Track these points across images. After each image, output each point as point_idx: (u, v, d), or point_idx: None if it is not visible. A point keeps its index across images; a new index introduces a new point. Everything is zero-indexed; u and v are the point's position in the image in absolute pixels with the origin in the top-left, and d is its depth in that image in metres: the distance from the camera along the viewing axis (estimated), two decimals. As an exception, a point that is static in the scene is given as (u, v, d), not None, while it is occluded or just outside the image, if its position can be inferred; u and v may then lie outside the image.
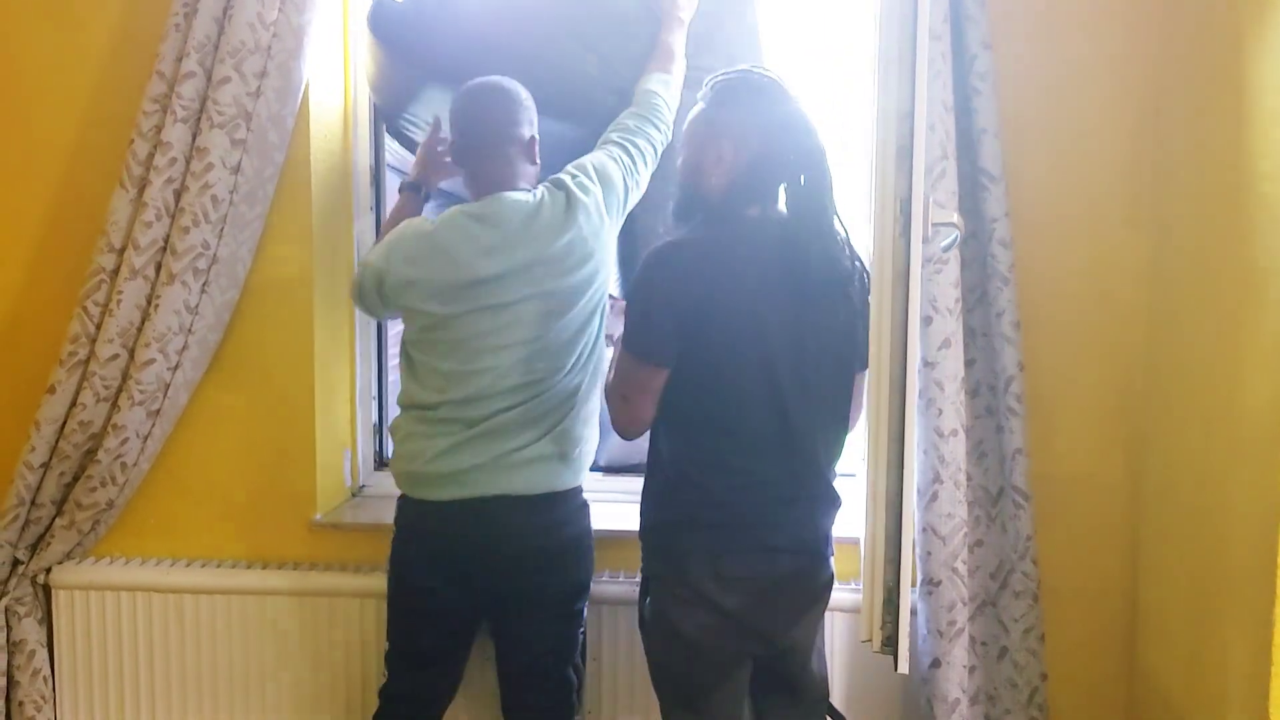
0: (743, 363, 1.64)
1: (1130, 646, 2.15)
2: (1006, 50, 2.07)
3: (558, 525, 1.93)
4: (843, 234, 1.72)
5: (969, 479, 2.07)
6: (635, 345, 1.69)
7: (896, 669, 1.46)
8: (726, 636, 1.71)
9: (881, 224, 1.43)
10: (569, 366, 1.89)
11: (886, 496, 1.45)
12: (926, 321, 2.00)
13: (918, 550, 2.04)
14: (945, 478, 2.00)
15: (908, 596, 1.47)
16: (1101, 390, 2.14)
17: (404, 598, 1.99)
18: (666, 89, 2.07)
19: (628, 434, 1.76)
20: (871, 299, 1.42)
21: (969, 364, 2.07)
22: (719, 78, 1.72)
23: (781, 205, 1.71)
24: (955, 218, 1.58)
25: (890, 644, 1.46)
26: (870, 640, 1.47)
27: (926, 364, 2.00)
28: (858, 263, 1.76)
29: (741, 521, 1.69)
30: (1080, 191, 2.12)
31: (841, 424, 1.79)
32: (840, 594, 1.97)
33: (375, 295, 1.94)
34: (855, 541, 2.16)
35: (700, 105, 1.73)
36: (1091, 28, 2.09)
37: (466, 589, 1.93)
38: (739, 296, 1.62)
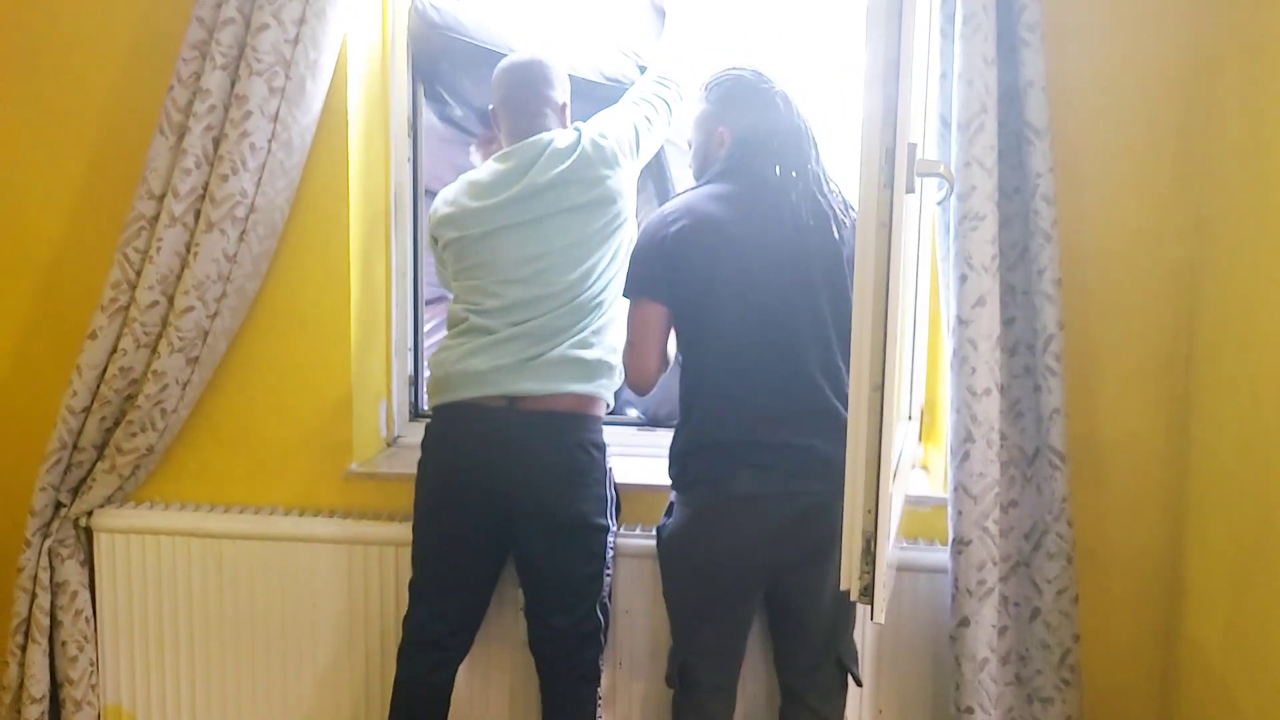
0: (729, 293, 1.85)
1: (1167, 610, 2.13)
2: (1055, 3, 2.02)
3: (571, 445, 2.02)
4: (832, 186, 1.95)
5: (1004, 438, 2.04)
6: (630, 287, 1.94)
7: (873, 618, 1.49)
8: (729, 554, 1.87)
9: (866, 174, 1.42)
10: (588, 281, 2.05)
11: (866, 447, 1.45)
12: (961, 279, 1.97)
13: (949, 509, 2.03)
14: (978, 437, 1.98)
15: (884, 546, 1.47)
16: (1144, 351, 2.11)
17: (426, 514, 2.07)
18: (674, 64, 2.34)
19: (637, 385, 1.95)
20: (856, 250, 1.43)
21: (1008, 322, 2.04)
22: (711, 79, 2.01)
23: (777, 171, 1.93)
24: (941, 168, 1.56)
25: (867, 593, 1.48)
26: (849, 589, 1.49)
27: (961, 322, 1.98)
28: (852, 212, 1.89)
29: (739, 441, 1.85)
30: (1128, 147, 2.07)
31: (843, 347, 1.85)
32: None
33: (431, 247, 2.21)
34: (907, 500, 2.17)
35: (701, 104, 2.02)
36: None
37: (485, 504, 2.01)
38: (722, 238, 1.85)
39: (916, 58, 1.45)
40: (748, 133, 1.93)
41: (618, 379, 2.08)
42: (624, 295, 1.95)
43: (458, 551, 2.06)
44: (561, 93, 2.16)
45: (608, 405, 2.12)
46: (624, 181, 2.09)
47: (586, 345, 2.04)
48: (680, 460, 1.93)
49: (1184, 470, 2.09)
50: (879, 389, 1.45)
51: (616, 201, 2.07)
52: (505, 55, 2.23)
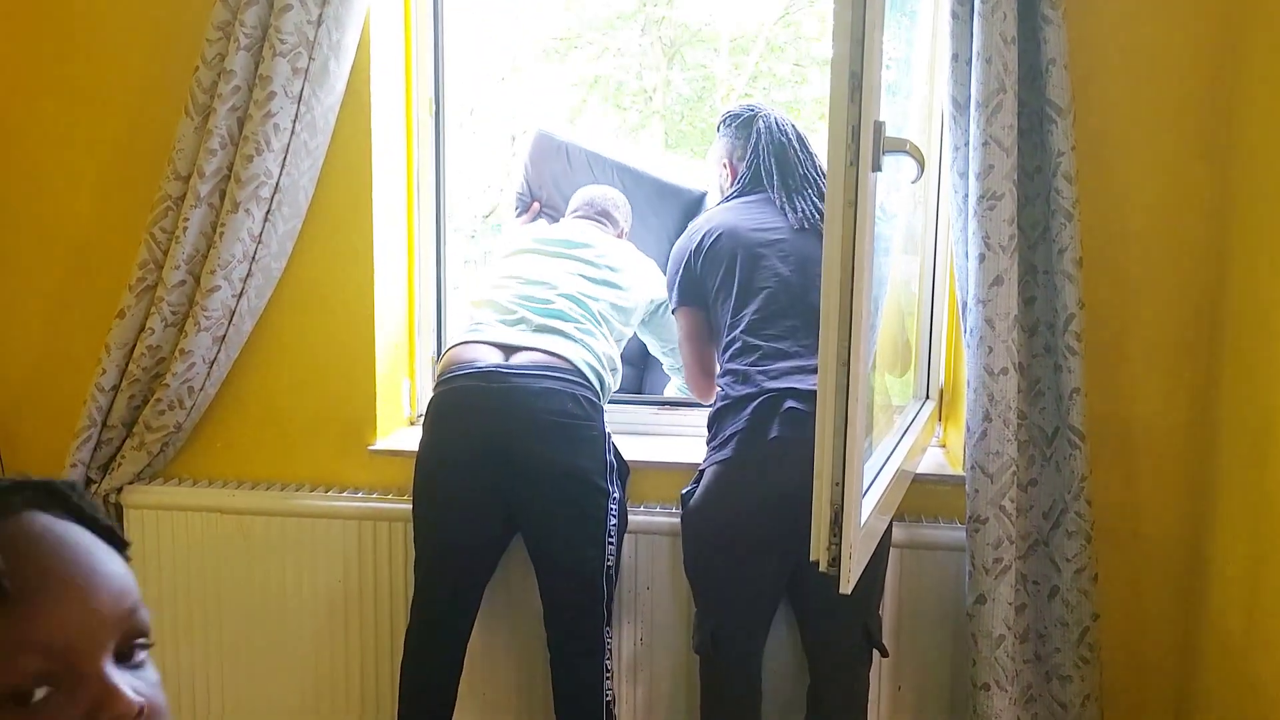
0: (736, 264, 2.09)
1: (1188, 588, 2.13)
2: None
3: (563, 394, 2.07)
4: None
5: (1023, 418, 2.04)
6: (672, 299, 2.24)
7: (838, 590, 1.52)
8: (759, 502, 1.94)
9: (835, 153, 1.43)
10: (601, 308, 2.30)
11: (833, 420, 1.48)
12: (979, 259, 1.97)
13: (966, 487, 2.04)
14: (995, 416, 1.98)
15: (853, 518, 1.50)
16: (1167, 330, 2.10)
17: (424, 487, 2.11)
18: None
19: (692, 386, 2.30)
20: (824, 228, 1.45)
21: (1028, 301, 2.04)
22: (719, 120, 2.35)
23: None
24: (909, 145, 1.56)
25: (835, 564, 1.50)
26: (819, 560, 1.51)
27: (978, 301, 1.98)
28: None
29: (771, 395, 1.97)
30: (1151, 124, 2.06)
31: None
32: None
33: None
34: (926, 478, 2.19)
35: (716, 141, 2.35)
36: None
37: (482, 467, 2.05)
38: (736, 237, 2.12)
39: (883, 36, 1.46)
40: (749, 158, 2.23)
41: (612, 380, 2.23)
42: (671, 310, 2.27)
43: (458, 523, 2.09)
44: (624, 221, 2.65)
45: (606, 388, 2.20)
46: (639, 296, 2.41)
47: (593, 335, 2.22)
48: (715, 419, 2.05)
49: (1206, 448, 2.08)
50: (846, 364, 1.47)
51: (634, 288, 2.41)
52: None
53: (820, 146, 1.90)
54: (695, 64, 9.10)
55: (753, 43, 8.80)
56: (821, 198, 2.11)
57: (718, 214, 2.22)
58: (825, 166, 1.46)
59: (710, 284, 2.13)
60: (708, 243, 2.14)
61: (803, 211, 2.13)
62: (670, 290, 2.23)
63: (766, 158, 2.20)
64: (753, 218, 2.15)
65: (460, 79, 2.53)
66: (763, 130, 2.22)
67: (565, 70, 8.63)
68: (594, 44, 8.77)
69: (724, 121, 2.31)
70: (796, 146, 2.20)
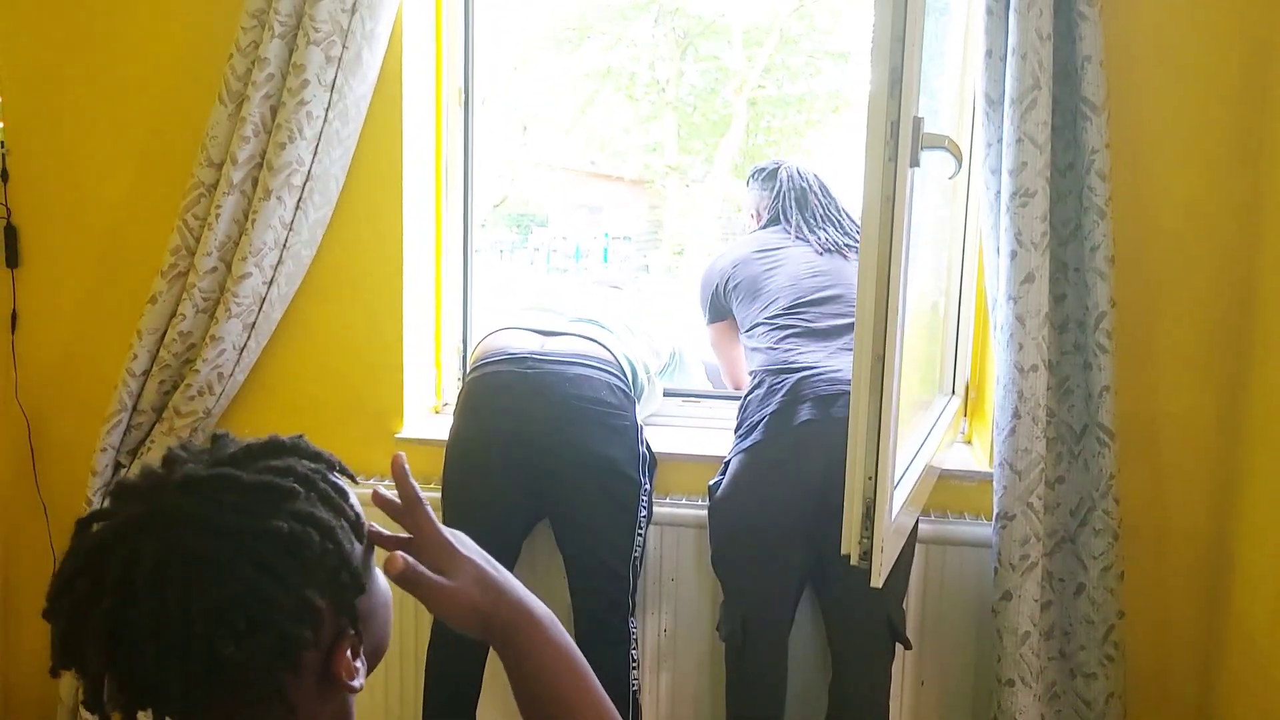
0: (765, 284, 2.24)
1: (1214, 588, 2.14)
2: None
3: (598, 383, 2.07)
4: (848, 224, 2.34)
5: (1052, 415, 2.05)
6: (705, 317, 2.47)
7: (870, 582, 1.53)
8: (788, 484, 1.98)
9: (872, 149, 1.43)
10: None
11: (867, 416, 1.48)
12: (1011, 256, 1.97)
13: (994, 484, 2.05)
14: (1024, 413, 1.99)
15: (884, 512, 1.51)
16: (1198, 329, 2.10)
17: (455, 480, 2.11)
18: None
19: (727, 380, 2.57)
20: (861, 222, 1.46)
21: (1059, 299, 2.05)
22: (749, 174, 2.54)
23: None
24: (947, 142, 1.57)
25: (866, 557, 1.52)
26: (849, 553, 1.53)
27: (1009, 298, 1.98)
28: None
29: (798, 383, 2.03)
30: (1185, 122, 2.06)
31: None
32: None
33: None
34: (952, 474, 2.19)
35: (748, 192, 2.54)
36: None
37: (514, 455, 2.04)
38: (744, 254, 2.33)
39: (924, 32, 1.46)
40: (770, 203, 2.42)
41: (645, 387, 2.26)
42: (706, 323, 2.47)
43: (489, 516, 2.08)
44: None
45: (639, 386, 2.22)
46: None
47: (633, 340, 2.27)
48: (744, 407, 2.11)
49: (1234, 449, 2.09)
50: (880, 359, 1.47)
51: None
52: None
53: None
54: (708, 55, 9.09)
55: (766, 34, 8.79)
56: (842, 231, 2.31)
57: (737, 243, 2.42)
58: (864, 168, 1.45)
59: (733, 298, 2.32)
60: (726, 263, 2.35)
61: (823, 239, 2.29)
62: (702, 308, 2.47)
63: (788, 200, 2.37)
64: (769, 239, 2.34)
65: (479, 68, 2.53)
66: (784, 179, 2.40)
67: (578, 60, 8.62)
68: (606, 34, 8.76)
69: (752, 176, 2.51)
70: (817, 191, 2.37)
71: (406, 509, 0.92)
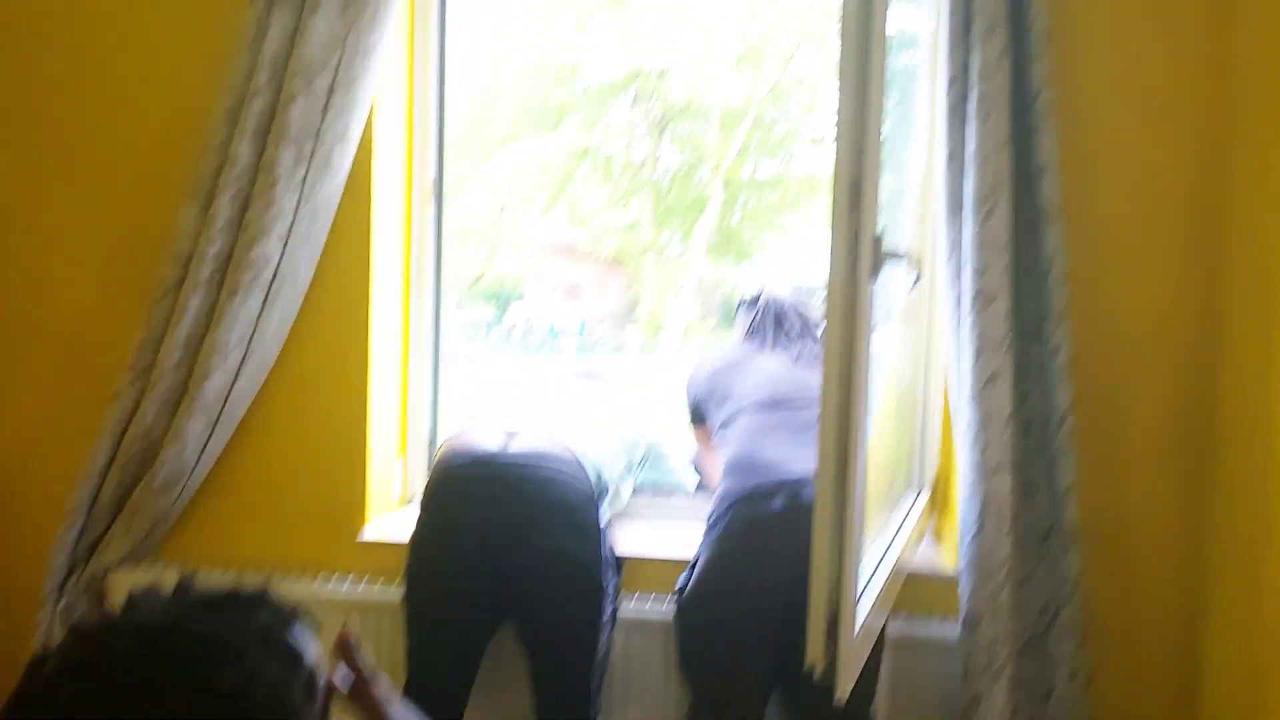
0: (736, 387, 2.36)
1: (1185, 691, 2.12)
2: (1071, 85, 2.06)
3: (565, 479, 2.05)
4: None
5: (1017, 516, 2.05)
6: (687, 417, 2.56)
7: (834, 697, 1.52)
8: (760, 571, 1.97)
9: (835, 259, 1.45)
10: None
11: (830, 524, 1.48)
12: (974, 356, 1.99)
13: (961, 586, 2.04)
14: (989, 514, 1.99)
15: (849, 622, 1.50)
16: (1161, 429, 2.12)
17: (420, 573, 2.06)
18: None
19: (704, 479, 2.62)
20: (823, 333, 1.48)
21: (1021, 399, 2.06)
22: (737, 304, 2.70)
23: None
24: (906, 254, 1.61)
25: (830, 670, 1.51)
26: (815, 664, 1.51)
27: (972, 398, 1.99)
28: None
29: (770, 479, 2.05)
30: (1140, 228, 2.10)
31: None
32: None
33: None
34: (919, 575, 2.18)
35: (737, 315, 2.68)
36: (1158, 66, 2.08)
37: (477, 553, 2.01)
38: (737, 369, 2.43)
39: (883, 144, 1.49)
40: (751, 321, 2.57)
41: (610, 486, 2.22)
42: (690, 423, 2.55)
43: (452, 616, 2.05)
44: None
45: (604, 485, 2.18)
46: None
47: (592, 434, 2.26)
48: (718, 501, 2.11)
49: (1201, 550, 2.09)
50: (842, 470, 1.48)
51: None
52: None
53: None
54: (685, 135, 9.21)
55: (742, 117, 8.93)
56: (817, 344, 2.43)
57: (716, 351, 2.60)
58: (827, 279, 1.47)
59: (709, 403, 2.43)
60: (703, 373, 2.50)
61: (795, 352, 2.44)
62: (686, 411, 2.58)
63: (766, 318, 2.54)
64: (745, 350, 2.49)
65: (453, 151, 2.55)
66: (765, 301, 2.57)
67: (555, 141, 8.72)
68: (583, 115, 8.87)
69: (739, 305, 2.69)
70: (792, 313, 2.53)
71: (358, 691, 0.93)
